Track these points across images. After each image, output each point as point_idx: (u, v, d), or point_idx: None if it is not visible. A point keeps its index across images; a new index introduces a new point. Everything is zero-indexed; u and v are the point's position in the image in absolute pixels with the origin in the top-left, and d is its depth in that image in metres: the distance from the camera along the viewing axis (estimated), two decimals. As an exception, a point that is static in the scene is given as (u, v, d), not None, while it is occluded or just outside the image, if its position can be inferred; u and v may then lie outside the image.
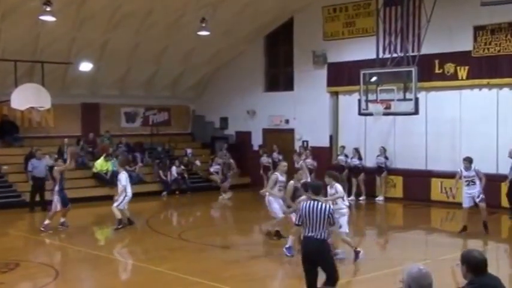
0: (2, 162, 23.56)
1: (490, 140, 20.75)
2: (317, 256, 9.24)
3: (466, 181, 16.20)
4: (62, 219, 17.46)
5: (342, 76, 24.65)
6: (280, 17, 26.54)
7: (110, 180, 23.87)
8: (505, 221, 19.04)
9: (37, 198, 21.22)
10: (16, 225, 19.45)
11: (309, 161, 24.05)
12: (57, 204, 17.24)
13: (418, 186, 22.37)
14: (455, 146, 21.82)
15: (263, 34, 27.79)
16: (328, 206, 9.45)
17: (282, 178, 15.35)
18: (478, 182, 16.08)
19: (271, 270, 13.63)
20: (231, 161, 26.19)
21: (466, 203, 16.28)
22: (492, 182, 19.35)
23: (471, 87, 21.60)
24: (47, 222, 17.17)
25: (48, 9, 19.46)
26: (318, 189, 9.73)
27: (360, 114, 22.46)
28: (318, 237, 9.18)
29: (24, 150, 24.05)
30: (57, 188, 17.29)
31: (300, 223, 9.37)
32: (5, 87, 23.23)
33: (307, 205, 9.28)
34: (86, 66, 24.78)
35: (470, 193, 16.14)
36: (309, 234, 9.21)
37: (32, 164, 21.50)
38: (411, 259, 11.40)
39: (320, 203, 9.32)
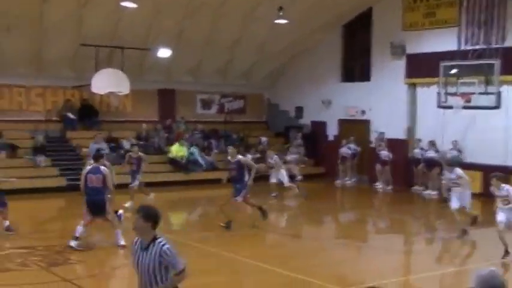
0: (82, 145, 23.73)
1: None
2: None
3: None
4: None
5: (421, 68, 24.10)
6: (358, 7, 26.18)
7: (184, 166, 24.19)
8: None
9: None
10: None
11: (384, 152, 23.82)
12: None
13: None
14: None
15: (340, 24, 27.49)
16: None
17: None
18: None
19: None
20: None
21: None
22: None
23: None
24: None
25: (128, -6, 19.81)
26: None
27: (439, 106, 22.00)
28: None
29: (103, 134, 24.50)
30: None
31: None
32: (85, 71, 23.73)
33: None
34: (164, 53, 24.94)
35: None
36: None
37: None
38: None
39: None
